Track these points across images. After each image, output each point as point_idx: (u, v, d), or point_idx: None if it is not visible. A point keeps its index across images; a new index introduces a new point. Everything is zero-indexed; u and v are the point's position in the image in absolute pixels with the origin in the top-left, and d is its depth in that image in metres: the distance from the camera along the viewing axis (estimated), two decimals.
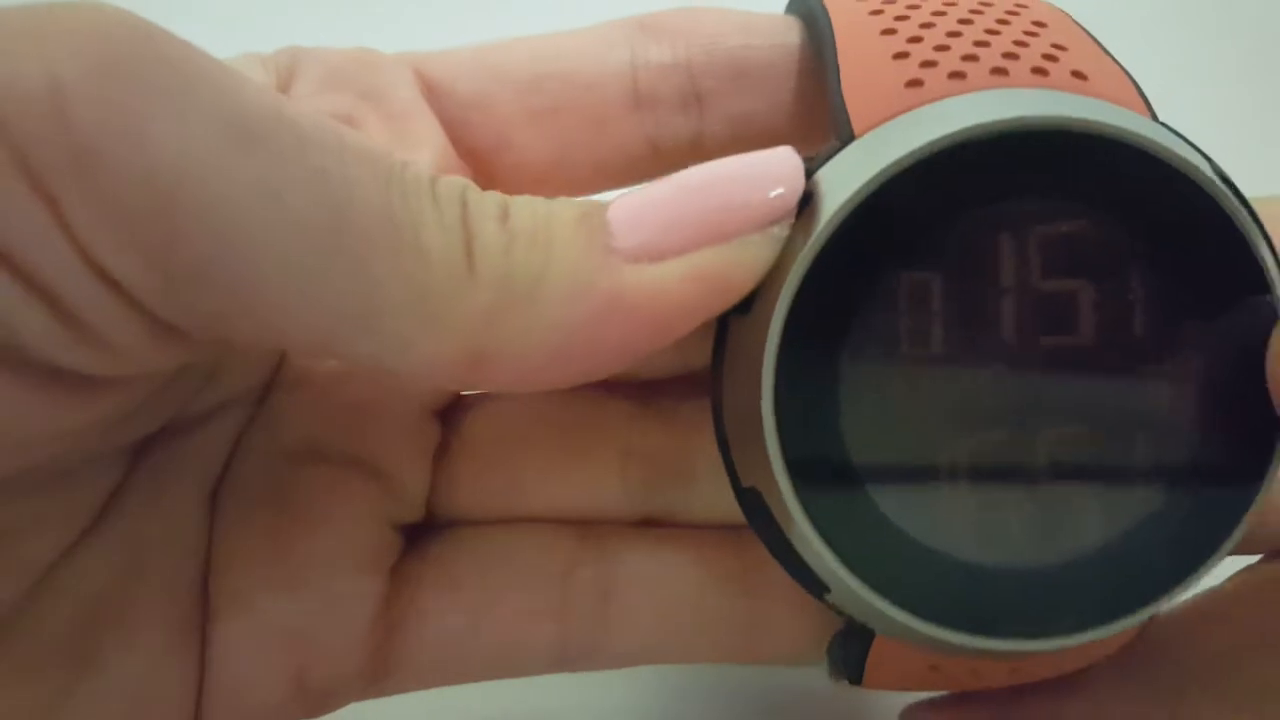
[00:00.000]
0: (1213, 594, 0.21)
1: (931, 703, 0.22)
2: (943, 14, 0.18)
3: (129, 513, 0.19)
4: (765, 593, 0.20)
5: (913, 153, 0.16)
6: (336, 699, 0.20)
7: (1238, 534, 0.17)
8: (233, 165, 0.14)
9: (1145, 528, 0.17)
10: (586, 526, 0.21)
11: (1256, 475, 0.17)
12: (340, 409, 0.20)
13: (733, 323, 0.17)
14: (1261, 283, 0.16)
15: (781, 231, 0.16)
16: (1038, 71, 0.17)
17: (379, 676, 0.20)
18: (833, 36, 0.18)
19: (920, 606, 0.16)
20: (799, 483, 0.16)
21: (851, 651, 0.19)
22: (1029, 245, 0.16)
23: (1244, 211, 0.16)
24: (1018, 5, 0.18)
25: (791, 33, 0.21)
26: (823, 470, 0.16)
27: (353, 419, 0.20)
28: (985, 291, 0.16)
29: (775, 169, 0.16)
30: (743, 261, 0.16)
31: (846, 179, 0.16)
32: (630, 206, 0.16)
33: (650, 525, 0.21)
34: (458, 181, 0.16)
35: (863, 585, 0.16)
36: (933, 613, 0.17)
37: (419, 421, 0.21)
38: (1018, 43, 0.17)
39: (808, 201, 0.16)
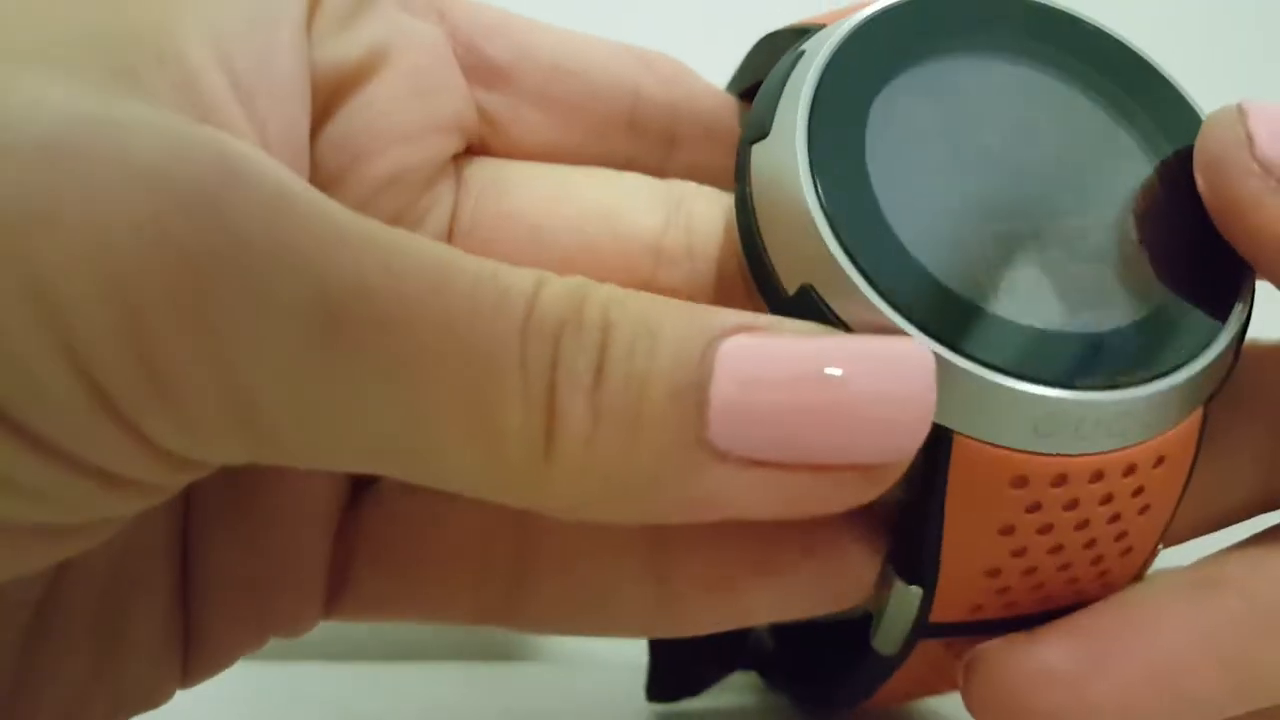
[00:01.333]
0: None
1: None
2: None
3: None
4: (680, 577, 0.20)
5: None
6: (297, 633, 0.20)
7: (1245, 305, 0.18)
8: (309, 360, 0.13)
9: (1166, 305, 0.18)
10: (516, 512, 0.21)
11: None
12: None
13: (755, 148, 0.18)
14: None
15: (894, 473, 0.15)
16: None
17: (328, 613, 0.21)
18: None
19: (1003, 362, 0.16)
20: (862, 264, 0.16)
21: (934, 460, 0.18)
22: (1020, 70, 0.19)
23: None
24: None
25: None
26: (875, 251, 0.17)
27: None
28: (980, 102, 0.18)
29: (913, 401, 0.15)
30: (834, 499, 0.15)
31: (832, 32, 0.18)
32: (738, 383, 0.14)
33: None
34: (555, 314, 0.14)
35: (945, 349, 0.16)
36: (1016, 369, 0.16)
37: None
38: None
39: (801, 56, 0.18)
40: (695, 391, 0.14)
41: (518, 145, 0.22)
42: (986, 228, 0.18)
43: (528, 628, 0.21)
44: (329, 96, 0.19)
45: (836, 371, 0.15)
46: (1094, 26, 0.19)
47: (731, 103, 0.22)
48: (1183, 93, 0.19)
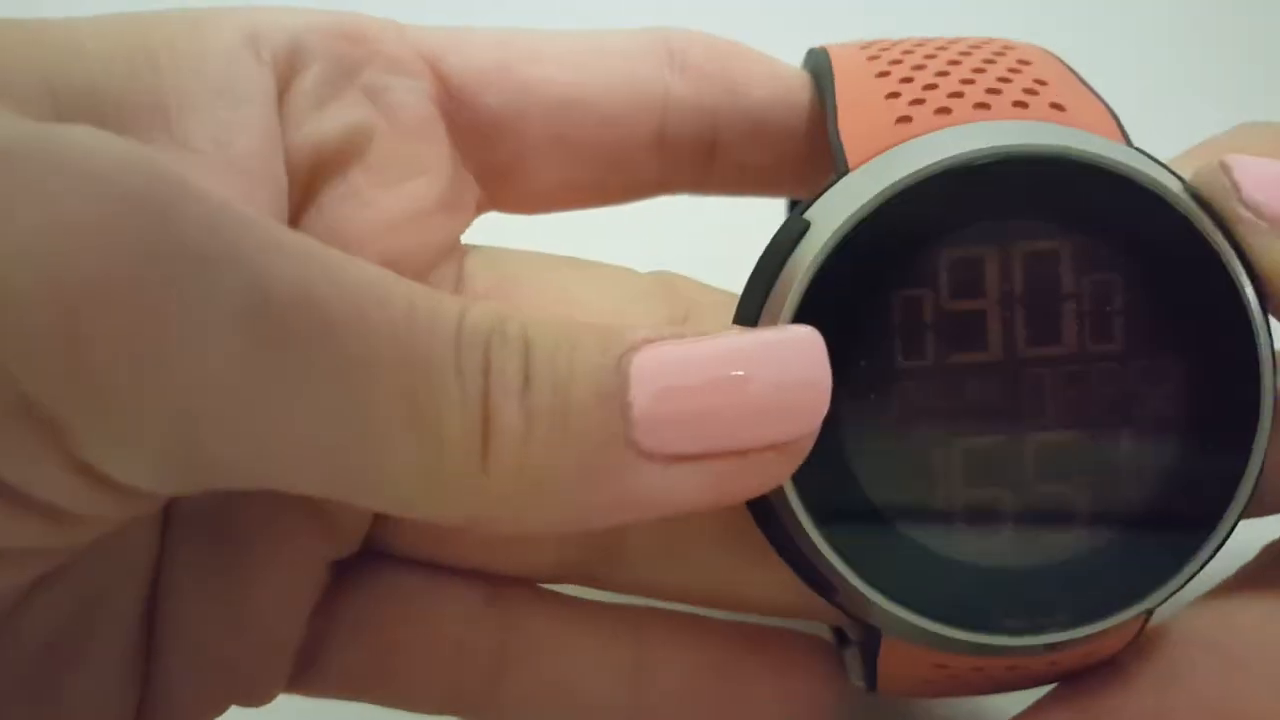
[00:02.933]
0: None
1: None
2: (933, 57, 0.20)
3: (98, 543, 0.18)
4: (652, 688, 0.21)
5: (900, 180, 0.17)
6: (253, 703, 0.20)
7: (1223, 530, 0.18)
8: (255, 367, 0.13)
9: (1133, 527, 0.18)
10: (496, 590, 0.21)
11: (1238, 473, 0.18)
12: None
13: None
14: (1234, 295, 0.17)
15: (804, 447, 0.16)
16: (1018, 105, 0.18)
17: (293, 689, 0.21)
18: (833, 82, 0.20)
19: (921, 605, 0.18)
20: (805, 491, 0.17)
21: (866, 651, 0.20)
22: (1013, 263, 0.18)
23: (1214, 227, 0.17)
24: (1005, 48, 0.20)
25: (807, 89, 0.21)
26: (826, 479, 0.17)
27: None
28: (974, 307, 0.18)
29: (802, 370, 0.16)
30: (758, 480, 0.16)
31: (840, 208, 0.17)
32: (655, 392, 0.15)
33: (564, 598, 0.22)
34: (482, 327, 0.15)
35: (868, 587, 0.17)
36: (933, 611, 0.18)
37: None
38: (1001, 79, 0.19)
39: (804, 231, 0.18)
40: (617, 395, 0.15)
41: (528, 192, 0.21)
42: (955, 445, 0.18)
43: (497, 717, 0.21)
44: (309, 178, 0.18)
45: (742, 372, 0.15)
46: (1130, 179, 0.17)
47: (788, 86, 0.21)
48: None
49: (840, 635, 0.22)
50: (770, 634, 0.21)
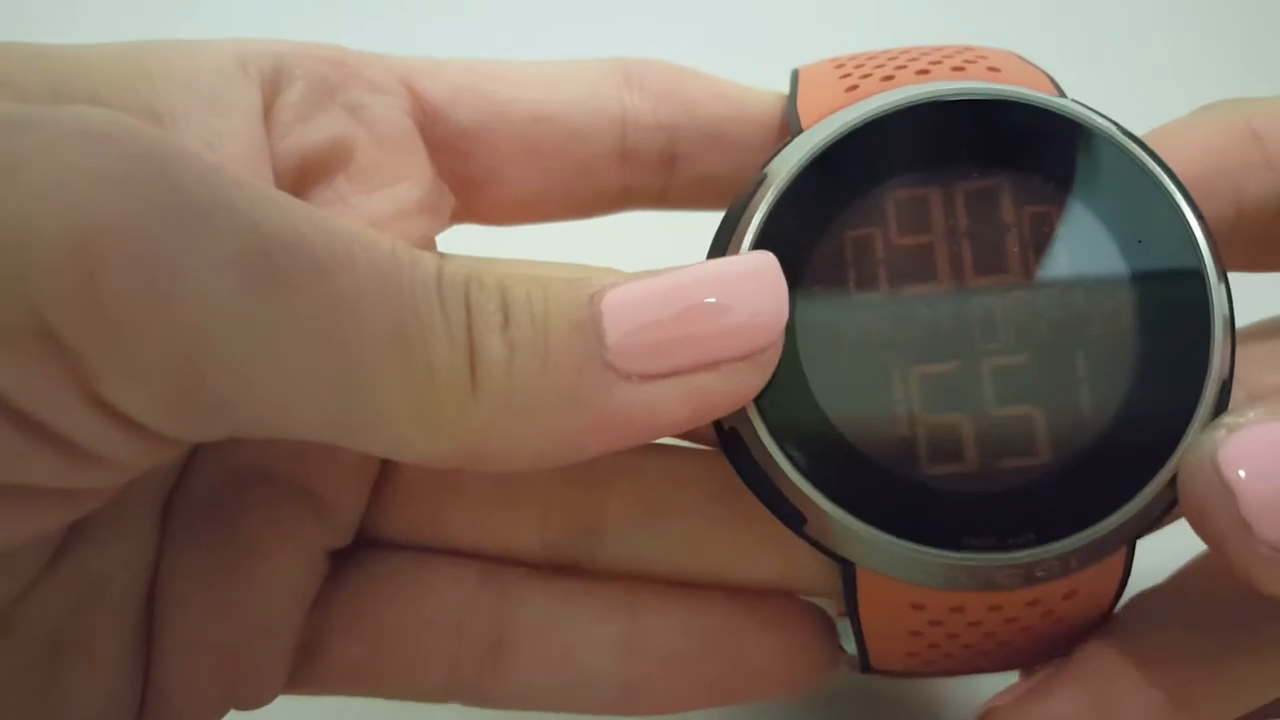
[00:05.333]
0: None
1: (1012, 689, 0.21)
2: (891, 54, 0.21)
3: (98, 527, 0.19)
4: (647, 656, 0.21)
5: (841, 127, 0.19)
6: (257, 705, 0.21)
7: (1174, 461, 0.18)
8: (254, 305, 0.14)
9: (1090, 450, 0.18)
10: (489, 570, 0.22)
11: (1191, 401, 0.18)
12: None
13: None
14: (1173, 210, 0.18)
15: (771, 357, 0.17)
16: (956, 69, 0.20)
17: (294, 686, 0.21)
18: (798, 82, 0.21)
19: (885, 522, 0.18)
20: (772, 422, 0.18)
21: (848, 599, 0.20)
22: (955, 199, 0.18)
23: (1145, 154, 0.18)
24: (963, 48, 0.21)
25: (762, 104, 0.22)
26: (791, 407, 0.18)
27: (303, 446, 0.20)
28: (919, 240, 0.18)
29: (761, 287, 0.17)
30: (733, 389, 0.17)
31: (790, 157, 0.19)
32: (626, 316, 0.16)
33: (557, 570, 0.22)
34: (460, 274, 0.16)
35: (836, 508, 0.18)
36: (899, 527, 0.18)
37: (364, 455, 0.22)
38: (946, 56, 0.20)
39: (761, 182, 0.19)
40: (592, 324, 0.16)
41: (502, 202, 0.22)
42: (912, 371, 0.18)
43: (498, 701, 0.21)
44: (296, 185, 0.20)
45: (711, 299, 0.17)
46: (1061, 115, 0.19)
47: (742, 102, 0.22)
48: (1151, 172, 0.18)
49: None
50: (763, 598, 0.22)
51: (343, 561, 0.21)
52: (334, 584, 0.21)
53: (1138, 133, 0.19)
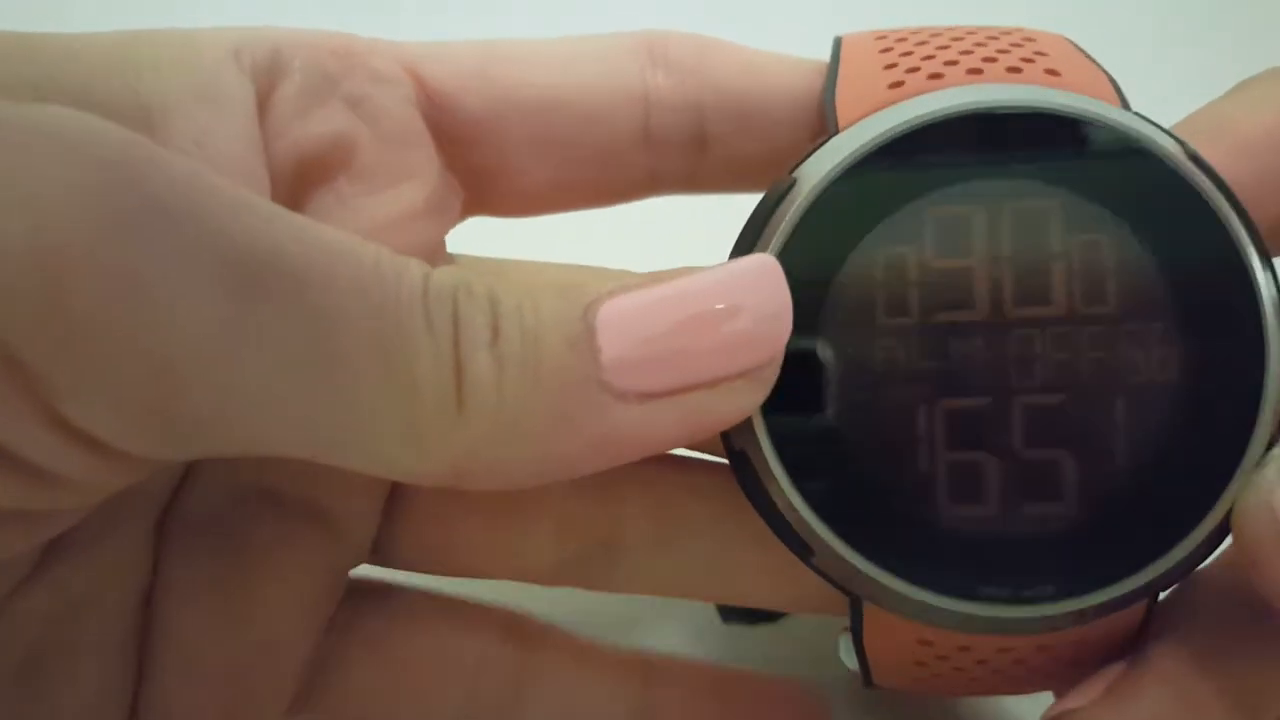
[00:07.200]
0: None
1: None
2: (939, 36, 0.19)
3: (81, 543, 0.18)
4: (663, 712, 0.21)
5: (880, 135, 0.17)
6: None
7: (1219, 511, 0.17)
8: (232, 318, 0.14)
9: (1121, 502, 0.17)
10: (510, 625, 0.21)
11: (1235, 455, 0.17)
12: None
13: None
14: (1232, 252, 0.17)
15: (772, 373, 0.16)
16: (1012, 70, 0.18)
17: (298, 711, 0.20)
18: (839, 62, 0.20)
19: (897, 566, 0.17)
20: (782, 448, 0.17)
21: (853, 629, 0.19)
22: (1000, 221, 0.17)
23: (1213, 186, 0.17)
24: (1013, 29, 0.20)
25: (795, 75, 0.21)
26: (806, 438, 0.17)
27: (311, 465, 0.20)
28: (957, 264, 0.17)
29: (762, 294, 0.16)
30: (730, 407, 0.16)
31: (823, 162, 0.18)
32: (622, 330, 0.15)
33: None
34: (448, 284, 0.15)
35: (846, 547, 0.17)
36: (911, 574, 0.17)
37: None
38: (1001, 50, 0.19)
39: (790, 187, 0.18)
40: (586, 340, 0.15)
41: (517, 193, 0.21)
42: (939, 405, 0.17)
43: None
44: (295, 186, 0.19)
45: (707, 308, 0.16)
46: (1124, 135, 0.17)
47: (775, 74, 0.21)
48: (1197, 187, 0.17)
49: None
50: (770, 682, 0.22)
51: (362, 595, 0.21)
52: (352, 612, 0.21)
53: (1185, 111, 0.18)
